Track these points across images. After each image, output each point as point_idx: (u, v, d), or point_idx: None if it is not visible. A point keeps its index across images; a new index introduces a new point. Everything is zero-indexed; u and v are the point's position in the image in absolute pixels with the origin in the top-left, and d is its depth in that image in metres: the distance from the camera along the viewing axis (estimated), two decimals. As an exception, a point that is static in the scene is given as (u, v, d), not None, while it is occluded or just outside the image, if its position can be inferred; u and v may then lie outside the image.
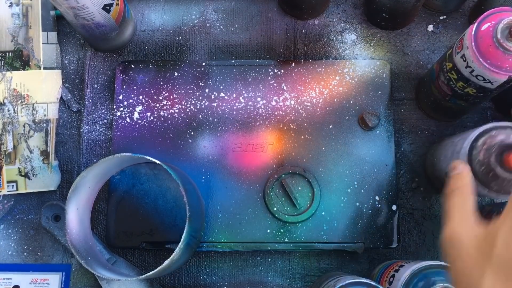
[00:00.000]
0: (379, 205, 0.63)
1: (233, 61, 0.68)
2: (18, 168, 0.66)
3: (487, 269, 0.33)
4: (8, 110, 0.67)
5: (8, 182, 0.66)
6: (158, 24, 0.72)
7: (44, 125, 0.67)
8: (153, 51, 0.71)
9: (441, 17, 0.70)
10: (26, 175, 0.66)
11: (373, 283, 0.48)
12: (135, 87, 0.67)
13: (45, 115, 0.68)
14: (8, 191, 0.66)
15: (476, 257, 0.34)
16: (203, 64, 0.68)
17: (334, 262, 0.64)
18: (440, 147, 0.61)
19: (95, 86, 0.70)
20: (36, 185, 0.66)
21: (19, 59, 0.68)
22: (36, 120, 0.67)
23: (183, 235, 0.53)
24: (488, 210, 0.62)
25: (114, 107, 0.67)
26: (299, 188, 0.63)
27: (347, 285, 0.48)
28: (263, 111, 0.66)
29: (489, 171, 0.49)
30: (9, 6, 0.69)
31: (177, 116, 0.66)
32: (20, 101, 0.67)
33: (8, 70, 0.68)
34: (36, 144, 0.67)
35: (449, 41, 0.70)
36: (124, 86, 0.67)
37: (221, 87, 0.67)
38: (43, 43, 0.69)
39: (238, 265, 0.65)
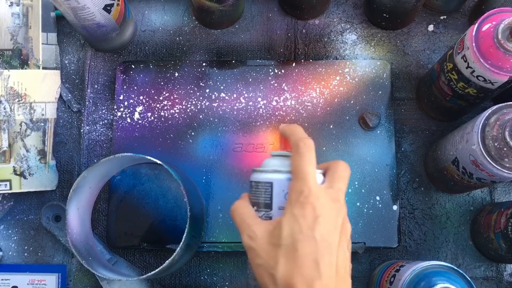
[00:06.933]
0: (380, 205, 0.63)
1: (233, 61, 0.68)
2: (13, 167, 0.66)
3: (279, 256, 0.39)
4: (4, 108, 0.66)
5: (0, 180, 0.65)
6: (159, 24, 0.72)
7: (42, 124, 0.67)
8: (154, 51, 0.71)
9: (442, 17, 0.70)
10: (21, 174, 0.66)
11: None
12: (135, 87, 0.67)
13: (43, 115, 0.67)
14: (0, 190, 0.65)
15: (269, 250, 0.39)
16: (204, 64, 0.68)
17: (334, 262, 0.64)
18: (442, 140, 0.61)
19: (96, 86, 0.70)
20: (32, 184, 0.66)
21: (18, 58, 0.68)
22: (33, 119, 0.67)
23: (184, 235, 0.53)
24: (488, 210, 0.62)
25: (115, 107, 0.67)
26: (300, 188, 0.63)
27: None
28: (264, 111, 0.66)
29: (503, 146, 0.49)
30: (9, 5, 0.69)
31: (177, 116, 0.66)
32: (17, 99, 0.67)
33: (5, 68, 0.68)
34: (33, 143, 0.66)
35: (449, 41, 0.70)
36: (125, 86, 0.67)
37: (222, 87, 0.67)
38: (42, 44, 0.69)
39: (239, 266, 0.65)
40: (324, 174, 0.43)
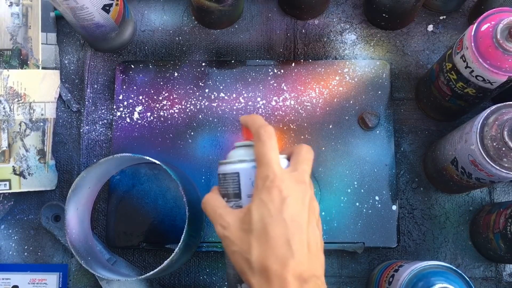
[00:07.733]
0: (379, 205, 0.63)
1: (233, 61, 0.68)
2: (13, 166, 0.66)
3: (252, 241, 0.40)
4: (4, 108, 0.67)
5: (0, 180, 0.65)
6: (158, 24, 0.72)
7: (41, 124, 0.67)
8: (153, 51, 0.71)
9: (441, 17, 0.70)
10: (21, 174, 0.66)
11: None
12: (135, 87, 0.67)
13: (42, 114, 0.67)
14: (0, 190, 0.65)
15: (241, 236, 0.41)
16: (203, 64, 0.68)
17: (334, 262, 0.64)
18: (441, 140, 0.61)
19: (95, 86, 0.70)
20: (32, 184, 0.66)
21: (17, 58, 0.68)
22: (33, 119, 0.67)
23: (183, 235, 0.53)
24: (487, 210, 0.62)
25: (114, 107, 0.67)
26: (299, 188, 0.63)
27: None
28: (263, 111, 0.66)
29: (501, 146, 0.49)
30: (9, 5, 0.69)
31: (177, 116, 0.66)
32: (16, 99, 0.67)
33: (5, 68, 0.68)
34: (33, 143, 0.66)
35: (449, 41, 0.70)
36: (124, 86, 0.67)
37: (221, 87, 0.67)
38: (42, 44, 0.69)
39: (238, 265, 0.65)
40: (288, 159, 0.44)
